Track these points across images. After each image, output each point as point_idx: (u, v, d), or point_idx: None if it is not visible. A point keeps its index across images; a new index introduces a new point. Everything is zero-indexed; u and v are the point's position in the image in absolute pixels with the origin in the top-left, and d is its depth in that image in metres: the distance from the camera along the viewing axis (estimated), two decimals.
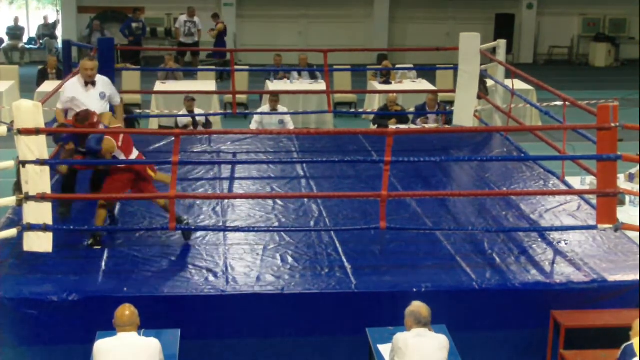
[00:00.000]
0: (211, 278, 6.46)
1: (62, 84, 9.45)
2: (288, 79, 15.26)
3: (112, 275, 6.47)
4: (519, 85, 12.10)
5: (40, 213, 6.34)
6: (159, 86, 14.82)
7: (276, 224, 7.58)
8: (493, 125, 11.01)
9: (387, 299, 6.29)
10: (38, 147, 6.23)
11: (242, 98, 14.69)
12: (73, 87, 7.66)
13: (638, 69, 19.57)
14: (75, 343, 6.08)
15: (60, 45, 20.74)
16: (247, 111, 14.26)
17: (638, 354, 5.05)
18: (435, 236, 7.26)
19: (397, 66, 16.43)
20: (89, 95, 7.60)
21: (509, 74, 10.46)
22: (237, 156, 9.66)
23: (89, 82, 7.63)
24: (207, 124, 12.56)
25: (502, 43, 10.95)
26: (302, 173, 9.08)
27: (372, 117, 13.23)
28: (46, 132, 6.39)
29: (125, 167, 6.94)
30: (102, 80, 7.77)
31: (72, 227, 6.84)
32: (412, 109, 12.65)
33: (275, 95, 12.30)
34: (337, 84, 15.49)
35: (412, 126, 12.16)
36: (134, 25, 19.43)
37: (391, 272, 6.62)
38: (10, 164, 6.44)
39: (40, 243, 6.39)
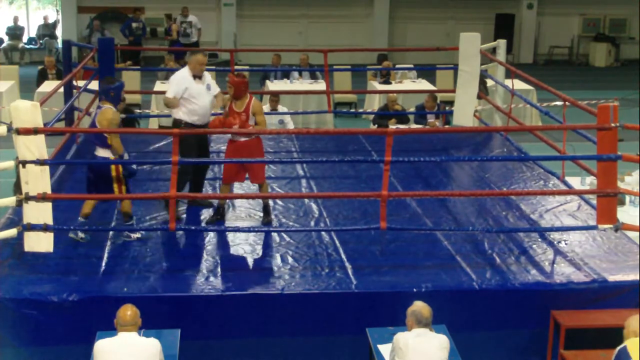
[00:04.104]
0: (211, 278, 6.47)
1: (61, 85, 9.48)
2: (288, 78, 15.26)
3: (112, 275, 6.47)
4: (519, 85, 12.10)
5: (41, 213, 6.33)
6: (159, 86, 14.79)
7: (276, 224, 7.58)
8: (493, 125, 11.01)
9: (387, 299, 6.29)
10: (37, 147, 6.22)
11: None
12: (185, 79, 7.63)
13: (638, 69, 19.56)
14: (75, 343, 6.09)
15: (60, 45, 20.74)
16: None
17: (633, 356, 5.00)
18: (435, 236, 7.26)
19: (397, 66, 16.43)
20: (199, 88, 7.64)
21: (509, 74, 10.46)
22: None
23: (198, 76, 7.64)
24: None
25: (502, 43, 10.96)
26: (302, 173, 9.09)
27: (372, 117, 13.24)
28: (45, 132, 6.38)
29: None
30: (205, 73, 7.80)
31: (72, 227, 6.83)
32: (412, 109, 12.66)
33: (275, 95, 12.30)
34: (337, 84, 15.49)
35: (413, 126, 12.16)
36: (133, 25, 19.42)
37: (391, 272, 6.62)
38: (10, 164, 6.43)
39: (40, 243, 6.39)
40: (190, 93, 7.60)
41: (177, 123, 7.69)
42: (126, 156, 7.10)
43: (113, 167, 6.89)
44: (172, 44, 18.77)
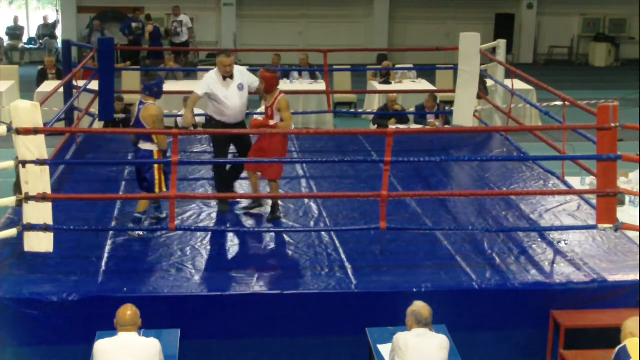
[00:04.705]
0: (211, 278, 6.46)
1: (61, 85, 9.48)
2: (287, 78, 15.25)
3: (112, 275, 6.47)
4: (519, 85, 12.10)
5: (41, 213, 6.33)
6: None
7: (276, 224, 7.58)
8: (493, 125, 11.01)
9: (387, 299, 6.29)
10: (37, 147, 6.22)
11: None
12: (211, 81, 7.69)
13: (638, 69, 19.56)
14: (75, 343, 6.08)
15: (60, 45, 20.74)
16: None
17: (633, 356, 5.01)
18: (435, 236, 7.26)
19: (397, 66, 16.43)
20: (228, 88, 7.67)
21: (509, 74, 10.46)
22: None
23: (227, 76, 7.67)
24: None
25: (502, 43, 10.96)
26: (302, 173, 9.09)
27: (372, 117, 13.24)
28: (45, 132, 6.38)
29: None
30: (238, 71, 7.80)
31: (72, 227, 6.83)
32: (412, 109, 12.66)
33: None
34: (337, 84, 15.49)
35: (413, 126, 12.16)
36: (133, 25, 19.41)
37: (391, 272, 6.62)
38: (10, 164, 6.43)
39: (40, 243, 6.39)
40: (214, 94, 7.66)
41: (209, 120, 7.90)
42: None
43: (156, 158, 7.14)
44: (151, 44, 18.76)
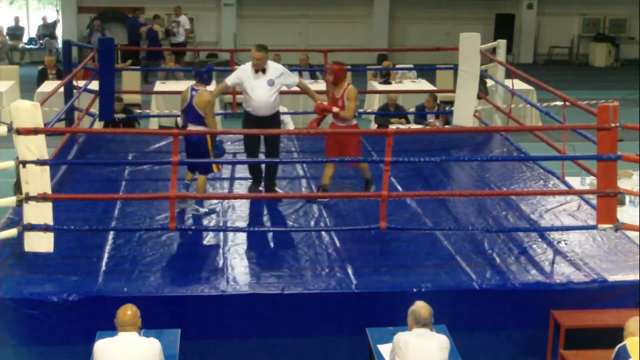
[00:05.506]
0: (211, 278, 6.47)
1: (61, 85, 9.49)
2: None
3: (112, 275, 6.47)
4: (519, 85, 12.10)
5: (41, 213, 6.34)
6: (159, 86, 14.81)
7: (276, 224, 7.58)
8: (493, 125, 11.01)
9: (387, 299, 6.29)
10: (37, 147, 6.23)
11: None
12: (243, 71, 8.03)
13: (638, 69, 19.57)
14: (75, 343, 6.09)
15: (60, 45, 20.75)
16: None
17: (632, 355, 5.02)
18: (435, 236, 7.26)
19: (397, 66, 16.43)
20: (257, 81, 7.94)
21: (509, 74, 10.47)
22: (237, 156, 9.65)
23: (259, 70, 7.94)
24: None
25: (502, 43, 10.96)
26: (302, 173, 9.09)
27: (372, 117, 13.23)
28: (45, 132, 6.38)
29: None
30: (273, 67, 8.05)
31: (72, 227, 6.83)
32: (412, 109, 12.66)
33: None
34: None
35: (413, 126, 12.17)
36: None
37: (391, 272, 6.62)
38: (10, 164, 6.44)
39: (41, 243, 6.39)
40: (244, 86, 7.99)
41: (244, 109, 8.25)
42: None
43: (209, 143, 7.51)
44: (148, 45, 18.78)
